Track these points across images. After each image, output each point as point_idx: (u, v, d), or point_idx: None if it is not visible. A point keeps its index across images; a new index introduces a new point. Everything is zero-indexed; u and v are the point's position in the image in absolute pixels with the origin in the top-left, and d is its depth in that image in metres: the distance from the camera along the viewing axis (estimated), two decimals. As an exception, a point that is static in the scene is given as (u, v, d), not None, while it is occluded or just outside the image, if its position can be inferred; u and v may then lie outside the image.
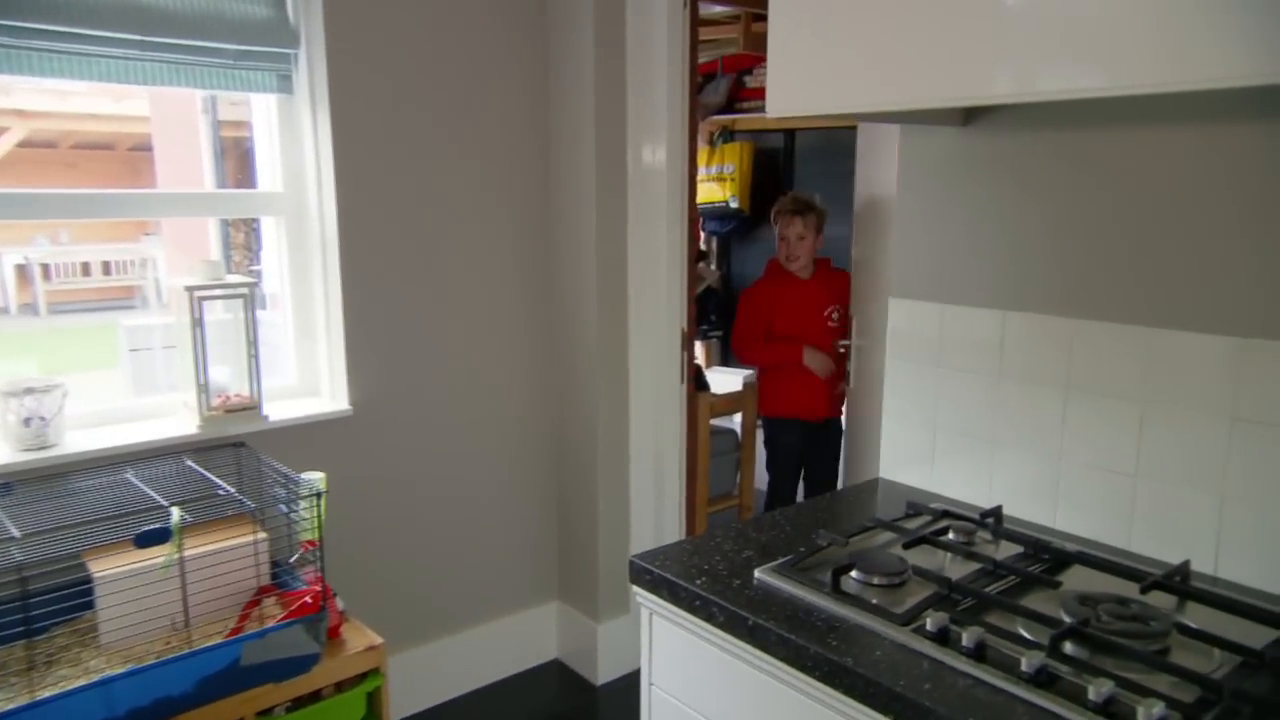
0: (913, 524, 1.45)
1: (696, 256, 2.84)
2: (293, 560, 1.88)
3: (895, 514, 1.51)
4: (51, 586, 1.63)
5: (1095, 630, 1.08)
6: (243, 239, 2.94)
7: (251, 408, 2.08)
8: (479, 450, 2.56)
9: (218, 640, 1.66)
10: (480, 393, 2.54)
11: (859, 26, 1.22)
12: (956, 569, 1.30)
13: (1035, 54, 1.04)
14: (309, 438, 2.21)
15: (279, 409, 2.18)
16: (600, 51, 2.39)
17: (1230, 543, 1.28)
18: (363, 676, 1.86)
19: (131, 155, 2.55)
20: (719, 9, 4.88)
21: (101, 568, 1.66)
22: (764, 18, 1.35)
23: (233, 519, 1.83)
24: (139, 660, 1.60)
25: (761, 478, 3.58)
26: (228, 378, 2.10)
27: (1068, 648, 1.06)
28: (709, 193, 5.15)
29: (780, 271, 3.00)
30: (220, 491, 1.79)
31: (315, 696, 1.79)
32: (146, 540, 1.60)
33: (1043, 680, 1.00)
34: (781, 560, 1.32)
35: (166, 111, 2.50)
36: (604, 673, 2.68)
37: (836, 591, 1.21)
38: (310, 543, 1.84)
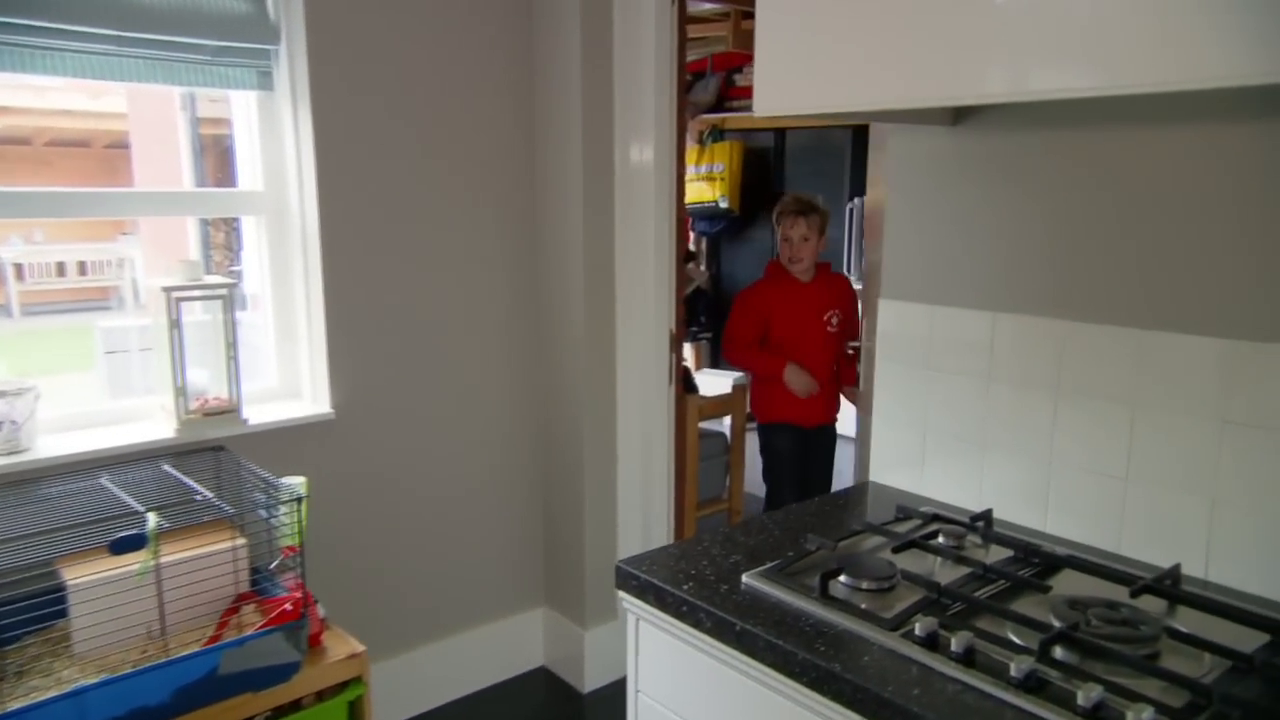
0: (902, 528, 1.46)
1: (685, 257, 2.85)
2: (273, 566, 1.86)
3: (885, 518, 1.52)
4: (23, 595, 1.61)
5: (1085, 635, 1.09)
6: (223, 239, 2.92)
7: (231, 411, 2.06)
8: (463, 454, 2.55)
9: (195, 649, 1.65)
10: (465, 395, 2.53)
11: (848, 24, 1.23)
12: (946, 573, 1.30)
13: (1028, 53, 1.05)
14: (290, 441, 2.20)
15: (259, 412, 2.17)
16: (587, 49, 2.39)
17: (1221, 546, 1.29)
18: (344, 685, 1.85)
19: (108, 153, 2.53)
20: (708, 6, 4.89)
21: (75, 575, 1.65)
22: (754, 15, 1.35)
23: (211, 525, 1.82)
24: (113, 670, 1.59)
25: (752, 481, 3.59)
26: (206, 380, 2.08)
27: (1057, 652, 1.07)
28: (698, 192, 5.16)
29: (780, 273, 2.99)
30: (198, 496, 1.77)
31: (296, 706, 1.78)
32: (121, 547, 1.59)
33: (1032, 685, 1.00)
34: (770, 565, 1.32)
35: (144, 108, 2.49)
36: (591, 680, 2.67)
37: (825, 596, 1.21)
38: (291, 548, 1.83)
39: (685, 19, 2.47)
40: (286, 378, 2.34)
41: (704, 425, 3.42)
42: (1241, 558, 1.27)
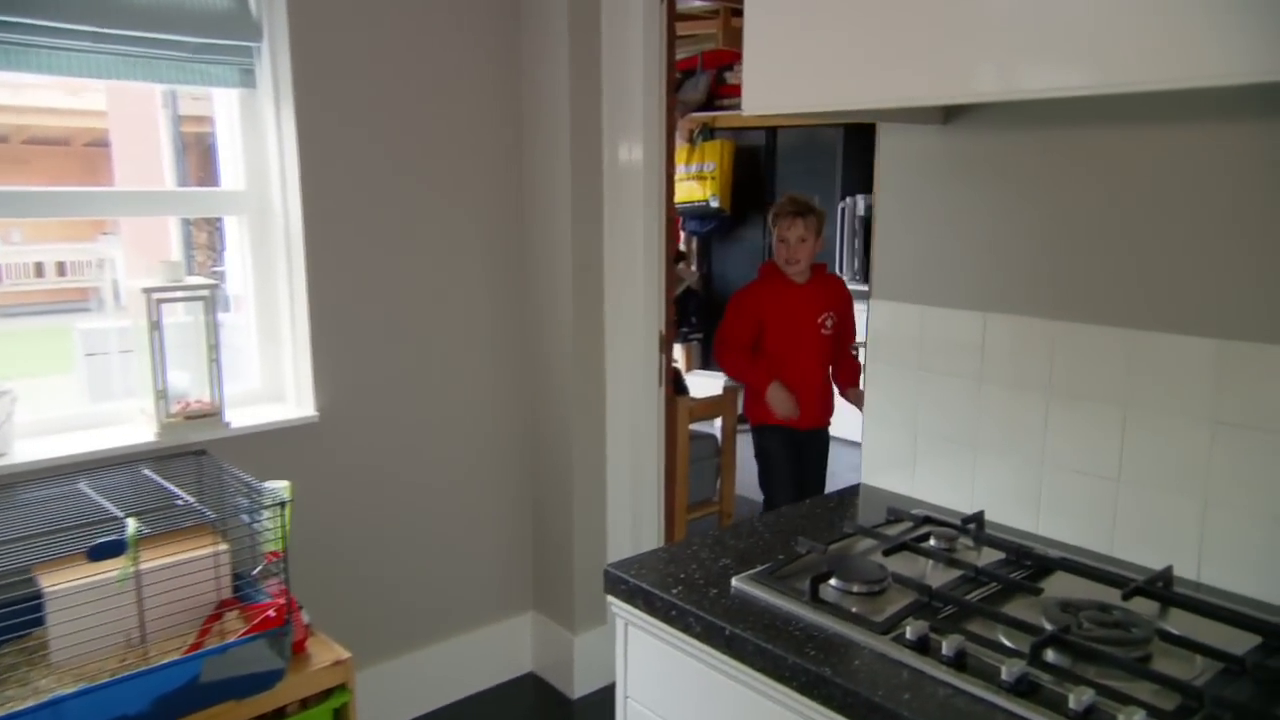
0: (893, 530, 1.46)
1: (675, 257, 2.85)
2: (256, 572, 1.85)
3: (876, 520, 1.52)
4: (-1, 602, 1.60)
5: (1077, 637, 1.09)
6: (206, 239, 2.90)
7: (213, 414, 2.05)
8: (450, 457, 2.55)
9: (176, 656, 1.63)
10: (451, 398, 2.52)
11: (837, 22, 1.23)
12: (937, 576, 1.31)
13: (1019, 51, 1.05)
14: (273, 445, 2.19)
15: (242, 415, 2.16)
16: (575, 46, 2.38)
17: (1213, 548, 1.29)
18: (329, 693, 1.84)
19: (87, 151, 2.51)
20: (697, 3, 4.90)
21: (52, 582, 1.63)
22: (743, 12, 1.35)
23: (192, 530, 1.81)
24: (91, 679, 1.58)
25: (743, 484, 3.59)
26: (188, 383, 2.07)
27: (1049, 655, 1.07)
28: (689, 192, 5.17)
29: (775, 275, 2.96)
30: (179, 501, 1.76)
31: (280, 714, 1.77)
32: (100, 553, 1.57)
33: (1023, 689, 1.01)
34: (759, 568, 1.32)
35: (124, 106, 2.47)
36: (580, 686, 2.67)
37: (815, 600, 1.22)
38: (274, 554, 1.82)
39: (674, 16, 2.48)
40: (270, 380, 2.32)
41: (694, 427, 3.42)
42: (1234, 559, 1.28)
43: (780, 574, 1.30)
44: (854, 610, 1.19)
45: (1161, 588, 1.25)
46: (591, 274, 2.52)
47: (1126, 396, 1.36)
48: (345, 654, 1.86)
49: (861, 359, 2.66)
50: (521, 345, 2.65)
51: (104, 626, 1.61)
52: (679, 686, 1.30)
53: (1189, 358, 1.29)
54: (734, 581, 1.29)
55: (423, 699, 2.57)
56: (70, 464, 1.89)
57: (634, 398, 2.60)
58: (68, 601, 1.60)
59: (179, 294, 1.99)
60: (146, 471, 1.90)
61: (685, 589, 1.28)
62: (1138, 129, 1.32)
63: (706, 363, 5.40)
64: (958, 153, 1.54)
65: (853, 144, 4.86)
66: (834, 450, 3.19)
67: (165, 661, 1.60)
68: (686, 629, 1.24)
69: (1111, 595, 1.22)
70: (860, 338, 3.05)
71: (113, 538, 1.59)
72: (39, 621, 1.64)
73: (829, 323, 2.96)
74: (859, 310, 2.94)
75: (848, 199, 4.89)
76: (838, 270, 5.02)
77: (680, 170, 5.10)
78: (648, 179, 2.46)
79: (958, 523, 1.47)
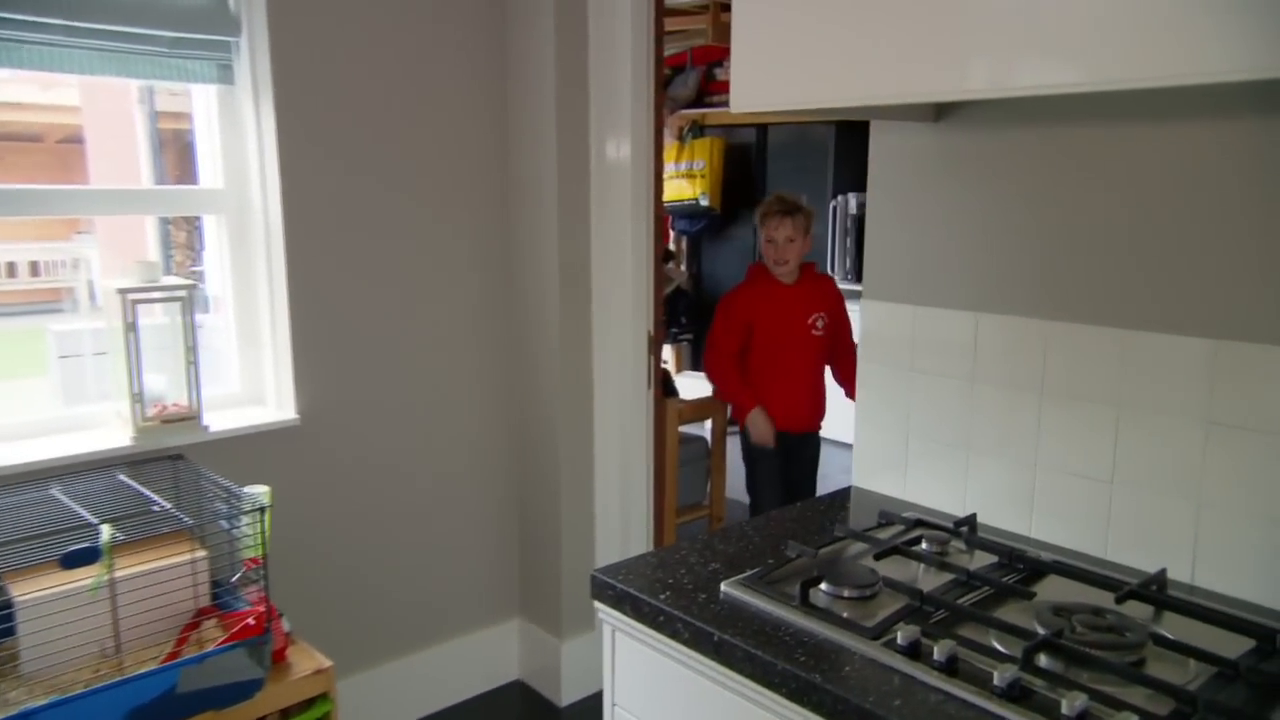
0: (885, 534, 1.46)
1: (664, 256, 2.84)
2: (235, 579, 1.84)
3: (867, 524, 1.53)
4: (-32, 612, 1.58)
5: (1070, 642, 1.09)
6: (184, 238, 2.88)
7: (190, 418, 2.04)
8: (434, 461, 2.54)
9: (152, 666, 1.62)
10: (436, 400, 2.51)
11: (828, 17, 1.23)
12: (929, 580, 1.31)
13: (1011, 47, 1.05)
14: (253, 449, 2.18)
15: (220, 419, 2.15)
16: (561, 41, 2.38)
17: (1207, 550, 1.30)
18: (310, 702, 1.82)
19: (61, 148, 2.49)
20: (687, -2, 4.90)
21: (23, 591, 1.61)
22: (732, 7, 1.35)
23: (169, 536, 1.79)
24: (64, 691, 1.56)
25: (733, 487, 3.59)
26: (165, 386, 2.06)
27: (1041, 660, 1.08)
28: (678, 190, 5.17)
29: (763, 276, 2.95)
30: (155, 507, 1.75)
31: (259, 724, 1.76)
32: (73, 561, 1.56)
33: (1015, 694, 1.01)
34: (749, 573, 1.32)
35: (99, 102, 2.45)
36: (568, 693, 2.66)
37: (805, 605, 1.22)
38: (253, 560, 1.81)
39: (663, 11, 2.48)
40: (249, 383, 2.31)
41: (684, 429, 3.43)
42: (1228, 562, 1.28)
43: (770, 579, 1.30)
44: (845, 615, 1.19)
45: (1155, 591, 1.26)
46: (578, 274, 2.52)
47: (1120, 397, 1.37)
48: (327, 662, 1.84)
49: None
50: (507, 346, 2.65)
51: (77, 636, 1.60)
52: (667, 693, 1.30)
53: (1183, 358, 1.30)
54: (723, 586, 1.29)
55: (406, 708, 2.56)
56: (43, 469, 1.87)
57: (622, 400, 2.59)
58: (39, 611, 1.59)
59: (155, 295, 1.98)
60: (122, 476, 1.89)
61: (673, 594, 1.28)
62: (1131, 127, 1.32)
63: (696, 364, 5.40)
64: (950, 151, 1.54)
65: (845, 142, 4.87)
66: (826, 452, 3.20)
67: (141, 672, 1.59)
68: (675, 635, 1.24)
69: (1105, 599, 1.23)
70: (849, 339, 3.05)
71: (86, 545, 1.58)
72: (9, 632, 1.62)
73: (820, 323, 2.94)
74: (850, 310, 2.94)
75: (839, 197, 4.90)
76: (829, 270, 5.03)
77: (669, 168, 5.10)
78: (636, 177, 2.45)
79: (950, 526, 1.47)
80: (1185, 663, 1.09)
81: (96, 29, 1.92)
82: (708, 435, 3.65)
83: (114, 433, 2.02)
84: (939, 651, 1.07)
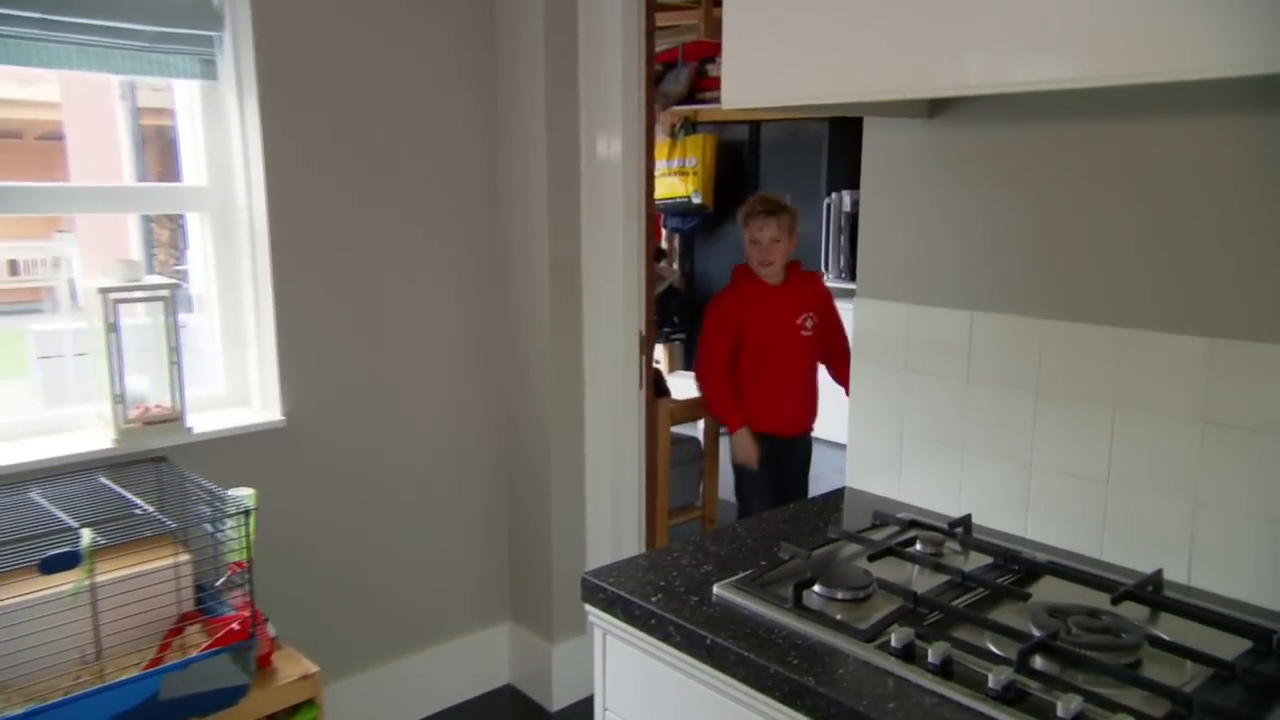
0: (879, 535, 1.47)
1: (656, 254, 2.84)
2: (219, 584, 1.83)
3: (861, 524, 1.53)
4: (-54, 618, 1.56)
5: (1065, 643, 1.10)
6: (168, 236, 2.86)
7: (174, 419, 2.03)
8: (422, 462, 2.53)
9: (134, 673, 1.61)
10: (424, 401, 2.51)
11: (820, 11, 1.23)
12: (924, 582, 1.31)
13: (1007, 42, 1.05)
14: (238, 451, 2.17)
15: (204, 420, 2.14)
16: (551, 36, 2.38)
17: (1204, 550, 1.31)
18: (296, 708, 1.82)
19: (41, 145, 2.47)
20: (678, -7, 4.89)
21: (1, 597, 1.60)
22: (724, 2, 1.35)
23: (152, 540, 1.78)
24: (42, 699, 1.55)
25: (726, 488, 3.59)
26: (148, 387, 2.05)
27: (1037, 662, 1.08)
28: (670, 187, 5.17)
29: (749, 278, 2.92)
30: (138, 511, 1.74)
31: (244, 731, 1.75)
32: (53, 566, 1.55)
33: (1010, 697, 1.01)
34: (742, 575, 1.32)
35: (80, 97, 2.44)
36: (559, 698, 2.66)
37: (798, 607, 1.22)
38: (238, 564, 1.80)
39: (654, 6, 2.47)
40: (234, 384, 2.30)
41: (676, 430, 3.42)
42: (1225, 562, 1.29)
43: (763, 581, 1.30)
44: (838, 617, 1.19)
45: (1151, 592, 1.26)
46: (569, 272, 2.52)
47: (1116, 396, 1.37)
48: (313, 668, 1.84)
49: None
50: (497, 346, 2.64)
51: (56, 643, 1.58)
52: (659, 697, 1.29)
53: (1179, 356, 1.30)
54: (715, 589, 1.29)
55: (394, 714, 2.56)
56: (22, 472, 1.86)
57: (614, 400, 2.59)
58: (17, 617, 1.57)
59: (137, 294, 1.97)
60: (103, 479, 1.88)
61: (665, 597, 1.28)
62: (1128, 123, 1.33)
63: (689, 363, 5.40)
64: (944, 147, 1.54)
65: (838, 138, 4.87)
66: (819, 452, 3.20)
67: (122, 679, 1.58)
68: (666, 638, 1.24)
69: (1101, 600, 1.23)
70: (842, 338, 3.04)
71: (66, 549, 1.56)
72: (-12, 638, 1.61)
73: (809, 323, 2.91)
74: (844, 308, 2.94)
75: (833, 195, 4.91)
76: (823, 267, 5.04)
77: (661, 165, 5.10)
78: (627, 174, 2.45)
79: (945, 526, 1.47)
80: (1181, 664, 1.09)
81: (75, 22, 1.90)
82: (700, 436, 3.65)
83: (95, 435, 2.01)
84: (933, 654, 1.07)
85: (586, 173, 2.49)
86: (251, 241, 2.22)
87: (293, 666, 1.84)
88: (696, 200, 5.16)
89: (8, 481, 1.83)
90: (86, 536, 1.60)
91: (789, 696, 1.08)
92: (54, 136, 2.38)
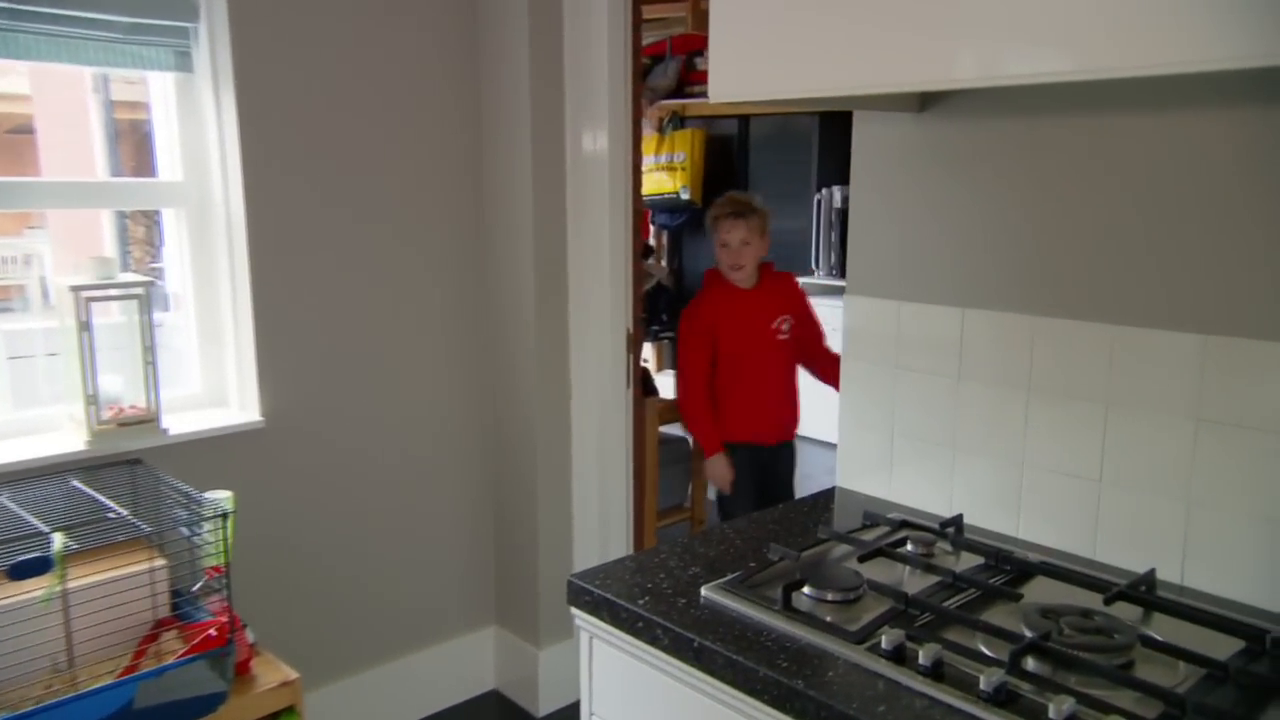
0: (869, 536, 1.47)
1: (643, 251, 2.84)
2: (196, 589, 1.82)
3: (851, 525, 1.53)
4: (-87, 625, 1.55)
5: (1057, 644, 1.10)
6: (143, 233, 2.84)
7: (149, 420, 2.01)
8: (405, 464, 2.52)
9: (108, 681, 1.60)
10: (407, 401, 2.50)
11: (809, 2, 1.23)
12: (915, 583, 1.31)
13: (1000, 34, 1.05)
14: (215, 452, 2.16)
15: (181, 421, 2.13)
16: (535, 29, 2.37)
17: (1197, 550, 1.31)
18: (276, 716, 1.81)
19: (10, 138, 2.45)
20: (666, -15, 4.89)
21: (-29, 603, 1.59)
22: (709, -6, 1.35)
23: (126, 545, 1.77)
24: (13, 708, 1.53)
25: (715, 489, 3.59)
26: (122, 387, 2.03)
27: (1028, 664, 1.08)
28: (658, 183, 5.16)
29: (720, 282, 2.84)
30: (111, 514, 1.72)
31: (222, 740, 1.74)
32: (22, 571, 1.53)
33: (1002, 699, 1.01)
34: (730, 577, 1.32)
35: (51, 90, 2.41)
36: (546, 703, 2.65)
37: (788, 609, 1.22)
38: (216, 569, 1.79)
39: (640, -2, 2.47)
40: (211, 384, 2.29)
41: (665, 430, 3.42)
42: (1218, 562, 1.30)
43: (751, 582, 1.30)
44: (828, 619, 1.19)
45: (1144, 592, 1.27)
46: (555, 270, 2.51)
47: (1109, 394, 1.38)
48: (293, 674, 1.83)
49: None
50: (482, 345, 2.63)
51: (27, 651, 1.57)
52: (646, 701, 1.29)
53: (1173, 353, 1.31)
54: (703, 591, 1.29)
55: (378, 720, 2.55)
56: (-8, 475, 1.84)
57: (601, 399, 2.59)
58: (-12, 624, 1.56)
59: (111, 292, 1.95)
60: (75, 482, 1.86)
61: (652, 599, 1.28)
62: (1122, 117, 1.33)
63: (676, 362, 5.40)
64: (935, 142, 1.55)
65: (829, 133, 4.88)
66: (809, 452, 3.20)
67: (95, 687, 1.56)
68: (653, 641, 1.23)
69: (1093, 600, 1.24)
70: (821, 339, 3.00)
71: (37, 555, 1.55)
72: (-44, 646, 1.60)
73: (785, 327, 2.83)
74: (835, 306, 2.93)
75: (824, 190, 4.92)
76: (814, 264, 5.05)
77: (649, 161, 5.09)
78: (613, 170, 2.45)
79: (936, 527, 1.48)
80: (1174, 665, 1.10)
81: (45, 12, 1.89)
82: (689, 436, 3.65)
83: (67, 437, 1.99)
84: (924, 655, 1.07)
85: (572, 168, 2.49)
86: (229, 238, 2.21)
87: (272, 673, 1.83)
88: (685, 196, 5.15)
89: (-23, 485, 1.81)
90: (58, 541, 1.58)
91: (778, 700, 1.08)
92: (24, 130, 2.36)
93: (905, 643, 1.11)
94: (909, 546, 1.43)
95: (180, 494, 1.84)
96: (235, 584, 1.82)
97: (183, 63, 2.13)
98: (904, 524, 1.50)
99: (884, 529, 1.50)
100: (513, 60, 2.41)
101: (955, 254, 1.54)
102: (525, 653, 2.68)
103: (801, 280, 5.34)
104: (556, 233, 2.50)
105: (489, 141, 2.53)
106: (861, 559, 1.37)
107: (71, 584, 1.61)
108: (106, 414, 1.98)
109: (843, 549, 1.43)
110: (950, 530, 1.46)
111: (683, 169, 5.14)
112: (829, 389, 2.91)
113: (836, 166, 4.89)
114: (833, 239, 4.91)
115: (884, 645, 1.10)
